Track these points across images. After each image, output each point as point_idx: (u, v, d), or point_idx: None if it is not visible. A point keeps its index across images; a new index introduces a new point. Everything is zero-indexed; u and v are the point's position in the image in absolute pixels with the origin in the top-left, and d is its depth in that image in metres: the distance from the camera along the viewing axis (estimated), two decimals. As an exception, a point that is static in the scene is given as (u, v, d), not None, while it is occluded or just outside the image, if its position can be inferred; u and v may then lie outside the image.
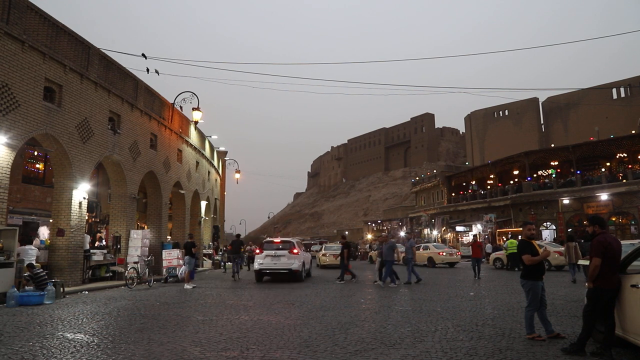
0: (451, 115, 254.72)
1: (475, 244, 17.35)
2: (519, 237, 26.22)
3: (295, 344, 5.89)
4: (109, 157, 16.11)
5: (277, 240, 16.83)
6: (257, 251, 17.02)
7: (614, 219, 31.85)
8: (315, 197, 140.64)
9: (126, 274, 14.55)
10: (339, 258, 25.32)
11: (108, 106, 15.63)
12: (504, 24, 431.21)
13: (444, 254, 24.54)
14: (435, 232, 48.05)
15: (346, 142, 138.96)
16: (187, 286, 13.95)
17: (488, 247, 28.54)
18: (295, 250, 15.92)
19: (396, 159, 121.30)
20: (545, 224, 34.59)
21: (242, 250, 21.54)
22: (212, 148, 31.89)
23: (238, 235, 21.51)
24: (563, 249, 20.80)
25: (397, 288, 13.31)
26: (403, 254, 29.05)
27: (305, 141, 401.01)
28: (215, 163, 33.11)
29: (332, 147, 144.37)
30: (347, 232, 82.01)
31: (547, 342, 5.93)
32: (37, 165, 18.36)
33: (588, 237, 5.86)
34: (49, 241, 14.19)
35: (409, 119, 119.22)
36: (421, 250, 26.08)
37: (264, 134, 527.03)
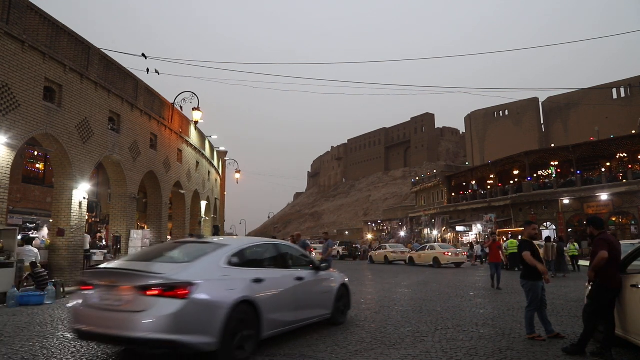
0: (451, 115, 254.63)
1: (494, 244, 13.88)
2: (519, 237, 26.24)
3: (296, 344, 5.89)
4: (109, 157, 16.11)
5: None
6: None
7: (614, 219, 31.88)
8: (316, 197, 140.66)
9: (126, 274, 14.53)
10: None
11: (108, 106, 15.63)
12: (504, 23, 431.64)
13: (450, 254, 24.41)
14: (435, 232, 48.07)
15: (346, 142, 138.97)
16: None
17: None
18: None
19: (396, 159, 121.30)
20: (545, 224, 34.60)
21: None
22: (212, 148, 31.89)
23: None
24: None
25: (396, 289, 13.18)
26: (410, 252, 29.15)
27: (305, 141, 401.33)
28: (215, 163, 33.12)
29: (332, 147, 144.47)
30: (347, 232, 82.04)
31: (547, 342, 5.94)
32: (37, 165, 18.37)
33: (593, 238, 5.75)
34: (49, 241, 14.19)
35: (409, 119, 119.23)
36: (427, 250, 25.92)
37: (264, 133, 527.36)
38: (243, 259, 5.61)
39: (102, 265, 5.71)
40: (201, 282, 4.65)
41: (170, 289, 4.43)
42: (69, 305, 5.23)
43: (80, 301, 4.92)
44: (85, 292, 4.91)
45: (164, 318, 4.31)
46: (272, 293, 5.58)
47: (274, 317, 5.50)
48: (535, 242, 6.74)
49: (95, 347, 5.83)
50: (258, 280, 5.41)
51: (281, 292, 5.79)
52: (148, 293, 4.41)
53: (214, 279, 4.91)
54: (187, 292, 4.46)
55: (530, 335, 6.13)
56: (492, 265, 13.34)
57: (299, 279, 6.26)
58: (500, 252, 13.55)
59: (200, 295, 4.57)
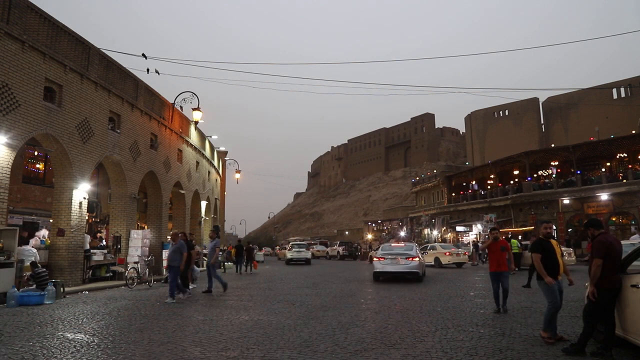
0: (451, 115, 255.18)
1: (496, 244, 8.96)
2: (519, 237, 26.18)
3: (296, 344, 5.89)
4: (109, 157, 16.10)
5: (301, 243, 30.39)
6: (288, 248, 33.64)
7: (614, 219, 31.82)
8: (316, 197, 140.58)
9: (126, 274, 14.54)
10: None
11: (108, 106, 15.62)
12: (504, 21, 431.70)
13: (451, 254, 24.22)
14: (435, 232, 48.02)
15: (346, 142, 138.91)
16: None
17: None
18: (309, 248, 32.90)
19: (396, 159, 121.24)
20: (545, 224, 34.50)
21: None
22: (212, 148, 31.87)
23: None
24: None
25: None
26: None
27: (305, 141, 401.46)
28: (215, 163, 33.11)
29: (332, 147, 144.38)
30: (347, 232, 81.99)
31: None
32: (37, 165, 18.35)
33: (594, 238, 5.65)
34: (49, 241, 14.18)
35: (409, 119, 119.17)
36: (428, 250, 25.75)
37: (264, 133, 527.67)
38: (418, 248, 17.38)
39: (384, 252, 16.07)
40: (418, 255, 15.64)
41: (414, 257, 15.35)
42: (375, 261, 15.92)
43: (379, 262, 15.61)
44: (381, 260, 15.51)
45: (416, 266, 15.14)
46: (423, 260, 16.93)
47: (423, 268, 16.22)
48: (554, 242, 6.50)
49: (96, 346, 5.86)
50: (422, 255, 17.36)
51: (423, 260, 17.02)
52: (409, 259, 15.24)
53: (417, 254, 15.66)
54: (418, 258, 15.48)
55: (543, 333, 6.02)
56: (493, 276, 8.77)
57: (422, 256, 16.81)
58: (506, 255, 8.97)
59: (420, 259, 15.73)
